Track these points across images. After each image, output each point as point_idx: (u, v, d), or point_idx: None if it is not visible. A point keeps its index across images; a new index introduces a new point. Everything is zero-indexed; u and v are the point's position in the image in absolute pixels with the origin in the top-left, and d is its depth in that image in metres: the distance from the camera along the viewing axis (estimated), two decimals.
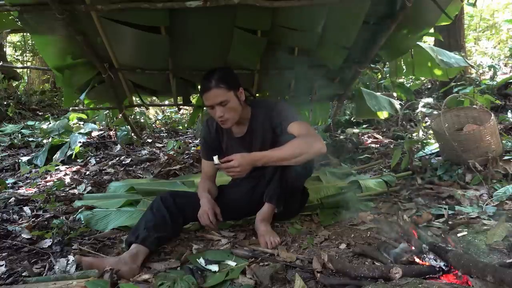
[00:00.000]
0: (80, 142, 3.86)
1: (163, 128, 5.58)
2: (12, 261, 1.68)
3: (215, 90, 1.75)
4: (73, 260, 1.62)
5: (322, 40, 2.64)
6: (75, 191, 2.79)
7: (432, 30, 3.61)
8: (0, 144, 4.38)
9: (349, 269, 1.41)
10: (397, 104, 3.64)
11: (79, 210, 2.23)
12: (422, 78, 5.62)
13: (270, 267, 1.50)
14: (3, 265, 1.61)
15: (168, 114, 6.47)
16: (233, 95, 1.80)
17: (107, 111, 4.34)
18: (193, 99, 4.07)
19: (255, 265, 1.56)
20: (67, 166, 3.50)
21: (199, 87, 3.23)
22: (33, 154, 3.89)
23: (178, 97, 3.50)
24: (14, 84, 6.90)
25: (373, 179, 2.69)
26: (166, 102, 4.74)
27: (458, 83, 4.11)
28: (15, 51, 8.38)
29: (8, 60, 7.69)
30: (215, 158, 1.69)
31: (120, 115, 3.57)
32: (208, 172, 2.06)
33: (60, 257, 1.70)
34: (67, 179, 3.07)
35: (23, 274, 1.55)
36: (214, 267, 1.54)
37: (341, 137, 4.21)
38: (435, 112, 4.22)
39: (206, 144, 2.07)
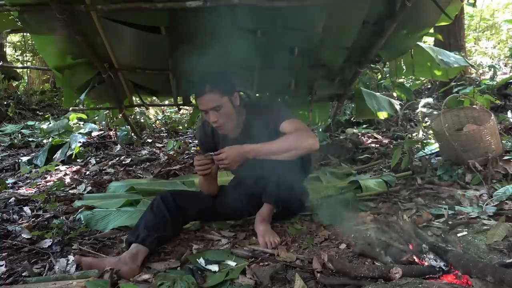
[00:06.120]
0: (80, 142, 3.85)
1: (163, 128, 5.58)
2: (12, 261, 1.68)
3: (208, 95, 1.74)
4: (73, 260, 1.62)
5: (322, 40, 2.63)
6: (75, 191, 2.78)
7: (432, 30, 3.61)
8: (0, 144, 4.37)
9: (349, 269, 1.41)
10: (397, 104, 3.64)
11: (79, 210, 2.23)
12: (422, 78, 5.62)
13: (270, 267, 1.50)
14: (3, 265, 1.61)
15: (168, 114, 6.46)
16: (227, 100, 1.79)
17: (107, 111, 4.33)
18: (193, 99, 4.07)
19: (255, 265, 1.56)
20: (67, 166, 3.49)
21: None
22: (33, 154, 3.89)
23: (178, 97, 3.50)
24: (14, 84, 6.89)
25: (373, 179, 2.69)
26: (166, 102, 4.75)
27: (458, 83, 4.11)
28: (15, 51, 8.38)
29: (8, 60, 7.69)
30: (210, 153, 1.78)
31: (120, 115, 3.57)
32: None
33: (60, 257, 1.70)
34: (67, 179, 3.07)
35: (23, 274, 1.55)
36: (214, 267, 1.54)
37: (341, 137, 4.21)
38: (435, 112, 4.22)
39: (202, 145, 2.09)
